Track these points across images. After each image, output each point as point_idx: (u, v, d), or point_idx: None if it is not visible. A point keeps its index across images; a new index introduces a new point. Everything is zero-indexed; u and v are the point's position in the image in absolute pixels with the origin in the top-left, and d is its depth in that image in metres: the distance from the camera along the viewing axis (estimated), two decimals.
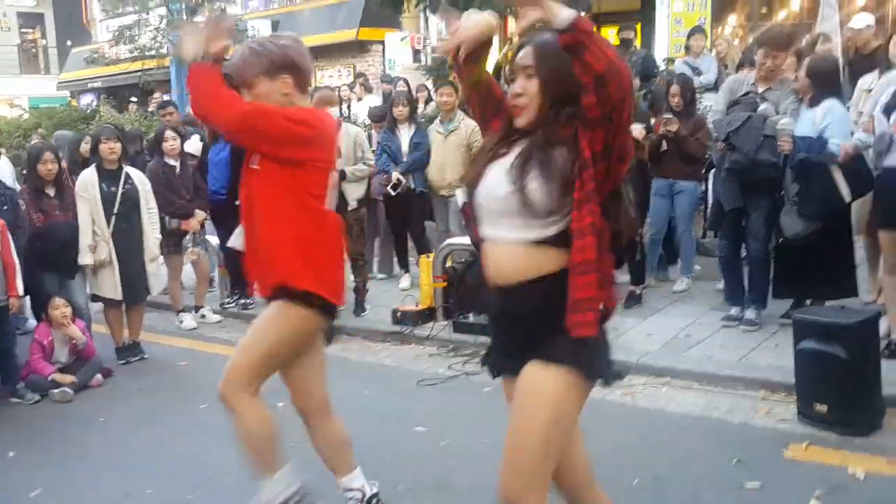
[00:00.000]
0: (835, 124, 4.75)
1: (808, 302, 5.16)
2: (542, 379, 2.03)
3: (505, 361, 2.21)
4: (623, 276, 5.96)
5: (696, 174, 6.10)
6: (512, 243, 2.04)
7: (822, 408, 3.90)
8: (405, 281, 7.12)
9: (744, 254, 5.52)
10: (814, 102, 4.89)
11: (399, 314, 5.99)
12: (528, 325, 2.07)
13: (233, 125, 2.77)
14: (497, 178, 2.05)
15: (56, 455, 4.14)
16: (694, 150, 5.85)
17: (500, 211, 2.05)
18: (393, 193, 6.74)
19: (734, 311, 5.42)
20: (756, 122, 4.99)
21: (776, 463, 3.63)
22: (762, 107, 5.05)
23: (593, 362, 2.06)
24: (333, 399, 4.74)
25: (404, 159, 6.78)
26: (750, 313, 5.31)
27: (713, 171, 5.94)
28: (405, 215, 7.01)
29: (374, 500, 3.16)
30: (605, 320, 2.05)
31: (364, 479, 3.17)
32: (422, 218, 7.05)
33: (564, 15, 1.84)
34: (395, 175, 6.67)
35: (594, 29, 1.88)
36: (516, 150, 2.06)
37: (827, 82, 4.91)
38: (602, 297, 1.99)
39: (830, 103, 4.83)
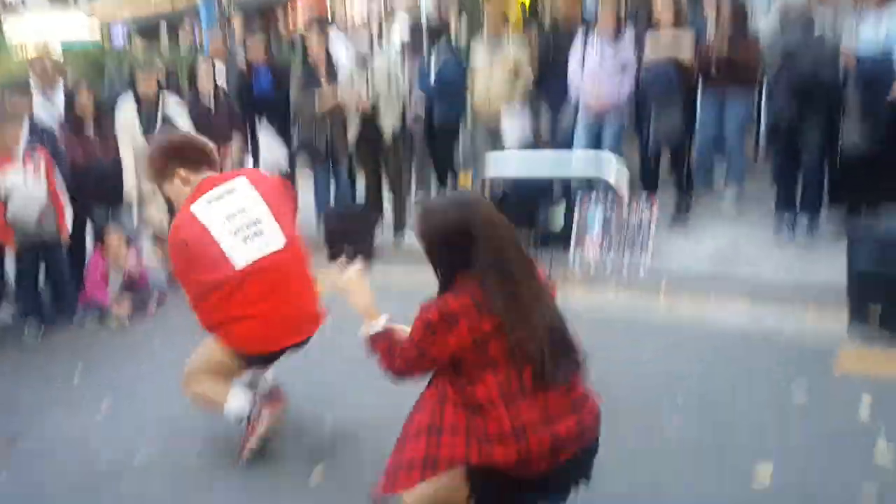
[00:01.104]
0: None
1: (861, 210, 5.06)
2: None
3: None
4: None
5: (748, 87, 5.80)
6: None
7: (874, 312, 3.89)
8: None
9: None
10: (882, 5, 4.77)
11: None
12: None
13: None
14: None
15: (115, 380, 4.25)
16: (744, 60, 5.57)
17: None
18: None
19: (786, 223, 5.34)
20: (813, 39, 4.90)
21: (826, 372, 3.61)
22: (819, 23, 4.96)
23: None
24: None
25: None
26: (802, 223, 5.24)
27: (765, 87, 5.76)
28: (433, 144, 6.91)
29: None
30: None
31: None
32: (447, 147, 6.87)
33: (364, 331, 2.38)
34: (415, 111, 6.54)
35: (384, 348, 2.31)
36: None
37: None
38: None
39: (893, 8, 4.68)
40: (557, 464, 2.11)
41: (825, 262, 4.76)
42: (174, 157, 3.17)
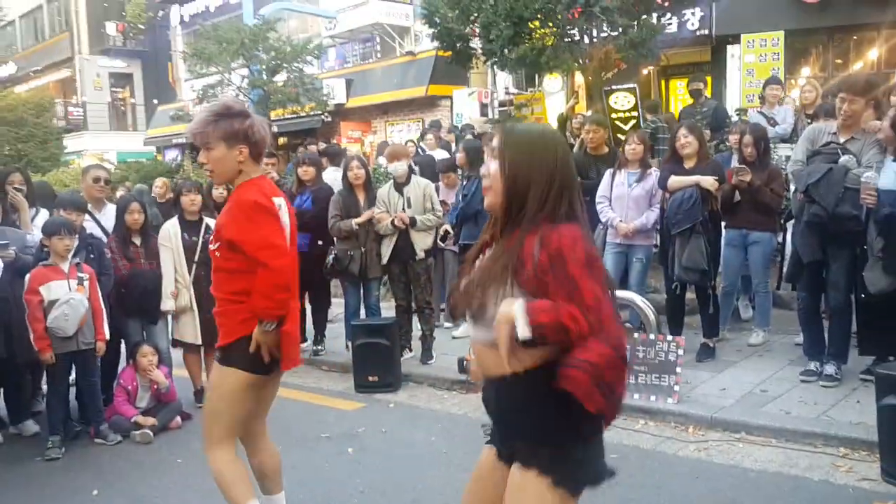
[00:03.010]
0: None
1: (890, 358, 4.96)
2: (520, 483, 2.03)
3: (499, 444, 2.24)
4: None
5: (770, 225, 5.97)
6: (485, 342, 2.04)
7: None
8: (460, 329, 7.10)
9: (823, 307, 5.39)
10: None
11: (465, 363, 5.98)
12: (511, 418, 2.09)
13: None
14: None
15: (136, 495, 4.27)
16: (768, 200, 5.75)
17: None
18: (441, 245, 6.82)
19: (813, 365, 5.27)
20: (837, 175, 4.84)
21: None
22: (843, 158, 4.91)
23: (569, 474, 2.02)
24: (401, 445, 4.82)
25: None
26: (830, 368, 5.15)
27: (791, 221, 5.80)
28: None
29: None
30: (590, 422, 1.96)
31: None
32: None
33: (521, 332, 1.85)
34: (444, 227, 6.77)
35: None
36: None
37: None
38: (600, 366, 1.85)
39: None
40: None
41: (859, 405, 4.71)
42: (249, 140, 3.13)
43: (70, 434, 5.24)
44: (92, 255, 5.33)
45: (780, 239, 6.47)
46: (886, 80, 7.69)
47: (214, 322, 3.25)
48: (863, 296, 4.88)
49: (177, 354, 6.03)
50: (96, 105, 28.84)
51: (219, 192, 6.85)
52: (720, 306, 6.09)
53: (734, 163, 6.09)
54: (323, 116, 17.55)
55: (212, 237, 3.27)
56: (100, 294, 5.18)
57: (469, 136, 10.44)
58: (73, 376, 5.30)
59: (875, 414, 3.98)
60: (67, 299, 4.84)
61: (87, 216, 5.82)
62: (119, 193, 10.94)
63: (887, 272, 4.67)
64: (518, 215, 2.04)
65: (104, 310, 5.20)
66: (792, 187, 5.50)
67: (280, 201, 3.17)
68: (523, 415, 2.03)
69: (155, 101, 26.46)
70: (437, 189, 7.48)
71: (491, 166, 2.08)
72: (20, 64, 31.19)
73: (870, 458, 4.10)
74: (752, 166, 5.77)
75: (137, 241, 5.74)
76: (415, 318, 6.73)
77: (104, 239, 5.73)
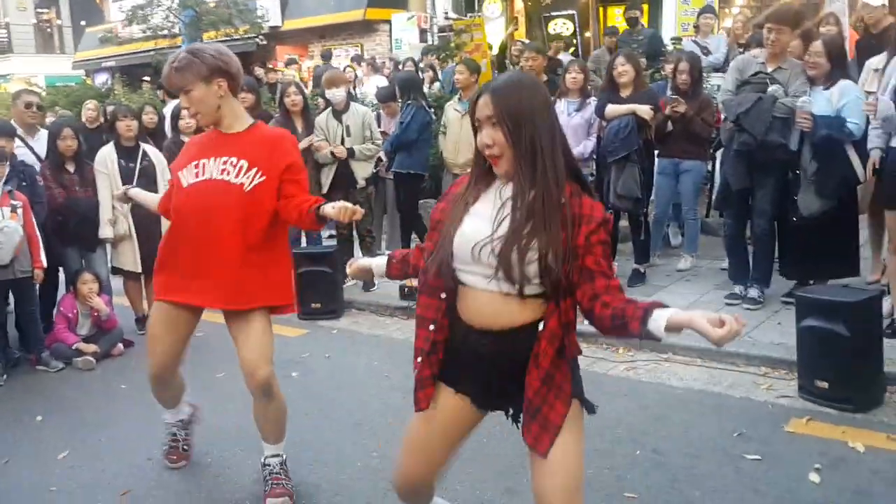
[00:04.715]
0: (851, 104, 4.78)
1: (811, 282, 5.21)
2: (572, 417, 2.06)
3: (486, 398, 2.18)
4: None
5: (701, 154, 6.14)
6: (488, 292, 2.01)
7: (823, 384, 3.95)
8: None
9: (748, 234, 5.61)
10: (828, 82, 4.92)
11: (406, 289, 6.12)
12: (513, 368, 2.05)
13: None
14: (476, 229, 2.00)
15: (81, 420, 4.31)
16: (700, 130, 5.89)
17: (475, 264, 2.01)
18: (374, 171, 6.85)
19: (738, 289, 5.49)
20: (766, 104, 4.97)
21: (776, 436, 3.69)
22: (772, 88, 5.04)
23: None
24: (344, 370, 4.94)
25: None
26: (753, 292, 5.38)
27: (721, 150, 5.97)
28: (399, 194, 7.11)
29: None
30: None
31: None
32: (412, 197, 7.08)
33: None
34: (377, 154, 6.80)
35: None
36: (491, 197, 2.04)
37: (841, 63, 4.96)
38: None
39: (846, 84, 4.87)
40: None
41: (780, 326, 4.95)
42: (226, 73, 3.09)
43: (10, 361, 5.20)
44: (24, 183, 5.19)
45: (709, 168, 6.67)
46: (815, 10, 7.81)
47: (155, 250, 3.26)
48: (794, 219, 5.05)
49: (117, 284, 5.98)
50: (21, 27, 27.33)
51: (149, 118, 6.70)
52: (651, 233, 6.29)
53: (669, 92, 6.21)
54: (258, 39, 17.01)
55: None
56: (34, 221, 5.08)
57: (409, 63, 10.36)
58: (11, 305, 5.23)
59: (795, 335, 4.18)
60: (1, 227, 4.75)
61: (19, 143, 5.66)
62: (49, 119, 10.55)
63: (820, 195, 4.87)
64: (534, 172, 1.96)
65: (40, 237, 5.11)
66: (722, 116, 5.64)
67: None
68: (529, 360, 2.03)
69: (83, 23, 25.14)
70: (378, 117, 7.47)
71: (493, 135, 1.97)
72: None
73: (788, 376, 4.32)
74: (685, 95, 5.89)
75: (71, 167, 5.61)
76: (356, 246, 6.79)
77: (38, 166, 5.58)
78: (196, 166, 3.09)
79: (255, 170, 3.02)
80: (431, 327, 2.11)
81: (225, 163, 3.05)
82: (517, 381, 2.04)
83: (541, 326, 2.00)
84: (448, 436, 2.22)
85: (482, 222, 2.00)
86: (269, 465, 3.27)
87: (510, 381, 2.06)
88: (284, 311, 3.30)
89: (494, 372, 2.08)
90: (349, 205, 2.88)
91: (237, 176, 3.02)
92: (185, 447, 3.66)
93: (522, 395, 2.04)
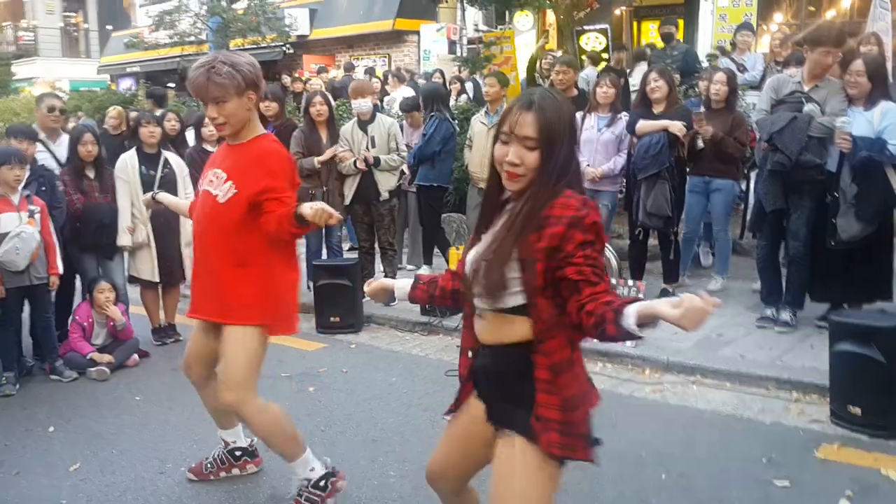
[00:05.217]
0: (893, 126, 4.67)
1: (844, 305, 5.09)
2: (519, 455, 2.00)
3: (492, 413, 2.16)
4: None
5: (732, 172, 6.00)
6: (484, 309, 2.05)
7: (855, 410, 3.90)
8: (424, 272, 7.09)
9: (782, 255, 5.46)
10: (868, 103, 4.81)
11: (427, 305, 6.01)
12: (505, 386, 2.06)
13: None
14: (478, 250, 2.06)
15: (93, 432, 4.23)
16: (732, 149, 5.76)
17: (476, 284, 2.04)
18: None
19: (769, 311, 5.37)
20: (801, 123, 4.89)
21: (807, 462, 3.60)
22: (808, 107, 4.94)
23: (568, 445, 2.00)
24: (361, 385, 4.85)
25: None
26: (785, 315, 5.26)
27: (755, 171, 5.85)
28: (421, 207, 7.04)
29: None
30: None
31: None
32: (434, 211, 7.01)
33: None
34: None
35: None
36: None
37: (882, 83, 4.86)
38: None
39: (888, 105, 4.76)
40: None
41: (812, 350, 4.82)
42: (256, 86, 3.03)
43: (24, 370, 5.15)
44: (43, 188, 5.15)
45: (742, 187, 6.52)
46: (857, 28, 7.67)
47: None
48: (832, 243, 4.92)
49: (134, 293, 5.93)
50: (48, 30, 27.74)
51: (171, 125, 6.65)
52: (681, 252, 6.14)
53: (701, 108, 6.08)
54: (285, 48, 17.06)
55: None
56: (52, 227, 5.03)
57: (437, 75, 10.30)
58: (26, 312, 5.18)
59: (827, 359, 4.09)
60: (18, 232, 4.70)
61: (41, 147, 5.63)
62: (71, 124, 10.60)
63: (860, 218, 4.76)
64: (544, 192, 1.94)
65: (57, 244, 5.06)
66: (756, 136, 5.51)
67: None
68: (526, 381, 1.99)
69: (109, 27, 25.49)
70: (402, 128, 7.38)
71: (524, 156, 1.93)
72: None
73: (820, 401, 4.23)
74: (719, 112, 5.78)
75: (91, 173, 5.56)
76: (377, 259, 6.69)
77: (58, 171, 5.54)
78: (205, 175, 3.15)
79: (230, 182, 3.00)
80: (470, 354, 2.20)
81: (214, 174, 3.07)
82: (514, 400, 2.04)
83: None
84: (465, 438, 2.23)
85: (485, 243, 2.06)
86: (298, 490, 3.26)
87: (508, 399, 2.07)
88: (276, 331, 3.17)
89: (493, 387, 2.12)
90: (327, 207, 2.82)
91: (216, 187, 3.04)
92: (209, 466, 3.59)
93: (522, 415, 2.01)
